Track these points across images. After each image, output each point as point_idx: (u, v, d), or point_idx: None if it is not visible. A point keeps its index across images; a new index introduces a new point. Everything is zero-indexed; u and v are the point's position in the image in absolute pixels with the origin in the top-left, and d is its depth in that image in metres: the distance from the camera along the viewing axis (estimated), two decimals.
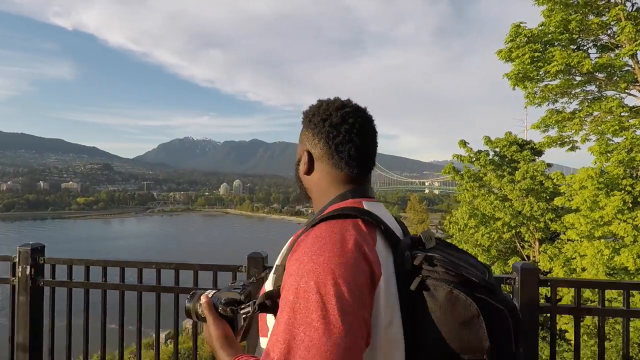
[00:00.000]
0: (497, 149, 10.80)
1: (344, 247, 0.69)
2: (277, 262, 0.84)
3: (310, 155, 0.92)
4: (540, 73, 7.52)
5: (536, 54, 7.14)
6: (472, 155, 10.65)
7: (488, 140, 10.85)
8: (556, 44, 7.41)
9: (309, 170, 0.93)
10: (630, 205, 6.68)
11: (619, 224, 6.62)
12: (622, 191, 6.73)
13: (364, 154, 0.88)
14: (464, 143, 10.74)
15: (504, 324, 0.68)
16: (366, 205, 0.83)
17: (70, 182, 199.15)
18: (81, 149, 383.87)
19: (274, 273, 0.84)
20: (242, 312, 0.93)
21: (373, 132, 0.91)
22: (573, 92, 8.41)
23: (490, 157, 10.80)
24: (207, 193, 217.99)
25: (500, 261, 10.04)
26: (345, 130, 0.86)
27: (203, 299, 0.96)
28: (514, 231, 9.64)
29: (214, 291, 1.00)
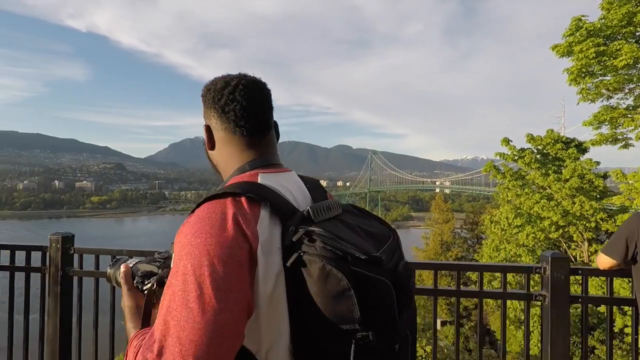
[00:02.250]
0: (539, 147, 10.56)
1: (222, 227, 0.71)
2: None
3: (208, 128, 0.93)
4: (603, 68, 7.26)
5: (600, 48, 6.90)
6: (515, 153, 10.42)
7: (531, 138, 10.61)
8: (619, 37, 7.15)
9: (211, 144, 0.94)
10: None
11: None
12: None
13: (253, 113, 0.89)
14: (507, 141, 10.51)
15: (382, 293, 0.71)
16: (262, 178, 0.84)
17: (84, 182, 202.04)
18: (94, 149, 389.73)
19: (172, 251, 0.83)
20: (144, 287, 0.92)
21: (261, 93, 0.92)
22: (628, 88, 8.15)
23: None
24: None
25: None
26: (229, 92, 0.88)
27: (123, 268, 0.96)
28: (561, 231, 9.41)
29: (136, 261, 0.99)
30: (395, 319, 0.73)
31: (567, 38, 7.38)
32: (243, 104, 0.88)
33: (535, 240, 9.69)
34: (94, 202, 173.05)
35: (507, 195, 10.63)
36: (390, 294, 0.72)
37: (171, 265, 0.73)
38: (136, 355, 0.70)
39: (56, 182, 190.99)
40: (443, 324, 17.51)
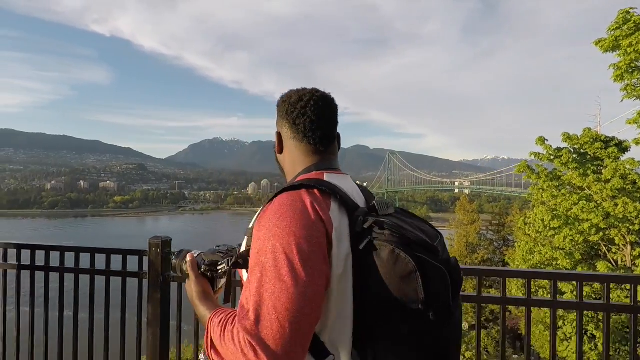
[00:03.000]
0: (576, 146, 10.16)
1: (303, 212, 0.82)
2: (249, 226, 0.95)
3: (279, 135, 1.08)
4: None
5: None
6: (551, 152, 10.06)
7: (567, 137, 10.22)
8: None
9: (280, 148, 1.09)
10: None
11: None
12: None
13: (319, 126, 1.01)
14: (542, 140, 10.17)
15: (442, 280, 0.80)
16: (327, 177, 0.96)
17: (108, 182, 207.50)
18: (117, 150, 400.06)
19: (246, 235, 0.96)
20: (218, 268, 1.04)
21: (329, 109, 1.03)
22: None
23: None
24: (236, 192, 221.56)
25: (584, 264, 9.44)
26: (301, 107, 1.01)
27: (188, 257, 1.08)
28: (601, 234, 9.02)
29: (199, 252, 1.10)
30: (449, 305, 0.81)
31: (614, 32, 7.07)
32: (312, 119, 1.00)
33: (573, 243, 9.33)
34: (117, 201, 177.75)
35: (542, 196, 10.28)
36: (446, 281, 0.81)
37: (250, 248, 0.85)
38: (224, 327, 0.80)
39: (81, 182, 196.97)
40: (472, 327, 17.11)
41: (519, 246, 10.76)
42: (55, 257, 2.53)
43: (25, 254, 2.60)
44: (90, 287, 2.45)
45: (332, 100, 1.06)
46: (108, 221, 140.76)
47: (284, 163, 1.09)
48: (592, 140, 9.98)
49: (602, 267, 8.73)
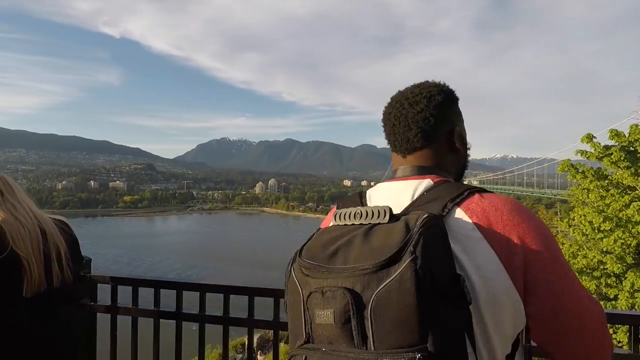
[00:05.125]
0: (624, 144, 9.58)
1: None
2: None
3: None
4: None
5: None
6: (600, 151, 9.48)
7: (615, 134, 9.64)
8: None
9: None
10: None
11: None
12: None
13: (394, 132, 0.97)
14: (590, 137, 9.59)
15: None
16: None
17: (117, 182, 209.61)
18: (126, 150, 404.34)
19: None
20: None
21: (425, 107, 0.94)
22: None
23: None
24: (243, 192, 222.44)
25: (637, 269, 8.85)
26: (387, 111, 1.01)
27: None
28: None
29: None
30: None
31: None
32: (393, 123, 0.96)
33: (624, 246, 8.75)
34: (126, 201, 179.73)
35: (588, 196, 9.70)
36: None
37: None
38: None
39: (91, 182, 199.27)
40: None
41: (561, 250, 10.16)
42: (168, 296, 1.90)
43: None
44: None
45: (433, 96, 0.95)
46: (118, 221, 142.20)
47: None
48: None
49: None
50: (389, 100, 1.00)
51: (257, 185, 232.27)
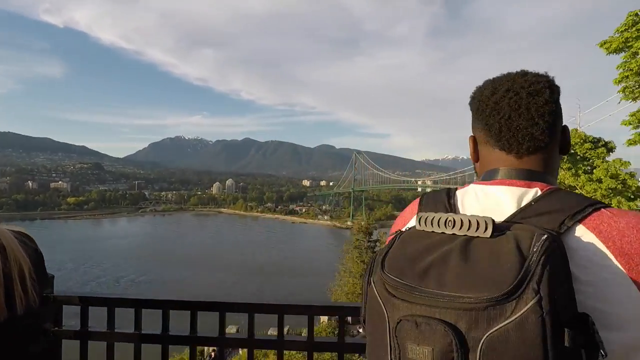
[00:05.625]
0: None
1: None
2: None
3: (473, 139, 0.89)
4: None
5: None
6: None
7: None
8: None
9: (475, 155, 0.89)
10: None
11: None
12: None
13: (517, 126, 0.79)
14: None
15: None
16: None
17: (60, 182, 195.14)
18: (70, 148, 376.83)
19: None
20: None
21: (538, 100, 0.78)
22: None
23: None
24: (199, 192, 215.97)
25: None
26: (495, 101, 0.80)
27: None
28: None
29: None
30: None
31: (622, 34, 7.16)
32: (509, 115, 0.78)
33: None
34: (70, 203, 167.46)
35: None
36: None
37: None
38: None
39: (29, 182, 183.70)
40: None
41: None
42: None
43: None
44: None
45: (544, 86, 0.78)
46: (60, 224, 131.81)
47: (479, 173, 0.89)
48: (581, 141, 10.26)
49: None
50: (480, 86, 0.85)
51: (214, 185, 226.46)
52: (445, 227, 0.67)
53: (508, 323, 0.55)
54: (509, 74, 0.82)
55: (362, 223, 30.62)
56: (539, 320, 0.54)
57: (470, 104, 0.86)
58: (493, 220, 0.64)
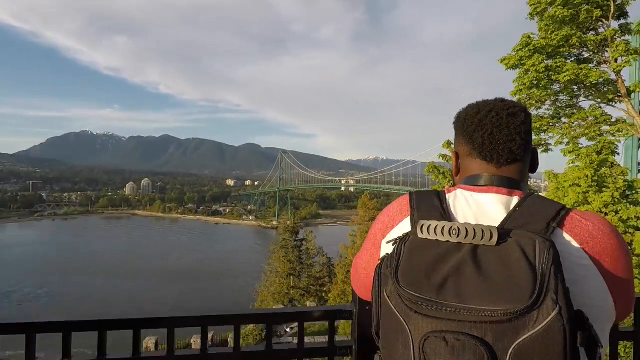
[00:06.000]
0: None
1: None
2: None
3: (456, 155, 0.99)
4: (549, 82, 8.32)
5: (549, 64, 7.91)
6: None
7: (447, 143, 11.65)
8: (558, 56, 8.29)
9: (456, 170, 0.99)
10: (617, 199, 7.76)
11: (606, 215, 7.67)
12: (608, 188, 7.81)
13: (497, 142, 0.89)
14: (449, 143, 11.35)
15: None
16: None
17: None
18: None
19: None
20: None
21: (514, 121, 0.89)
22: (551, 100, 9.50)
23: None
24: (110, 193, 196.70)
25: None
26: (479, 120, 0.89)
27: None
28: None
29: None
30: None
31: (518, 52, 8.32)
32: (492, 131, 0.87)
33: None
34: None
35: None
36: None
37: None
38: None
39: None
40: None
41: None
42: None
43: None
44: None
45: (519, 111, 0.90)
46: None
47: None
48: None
49: None
50: (464, 108, 0.95)
51: (127, 185, 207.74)
52: (450, 235, 0.69)
53: (533, 333, 0.59)
54: (489, 100, 0.94)
55: (289, 222, 30.86)
56: (562, 329, 0.59)
57: (455, 122, 0.95)
58: (497, 229, 0.68)
